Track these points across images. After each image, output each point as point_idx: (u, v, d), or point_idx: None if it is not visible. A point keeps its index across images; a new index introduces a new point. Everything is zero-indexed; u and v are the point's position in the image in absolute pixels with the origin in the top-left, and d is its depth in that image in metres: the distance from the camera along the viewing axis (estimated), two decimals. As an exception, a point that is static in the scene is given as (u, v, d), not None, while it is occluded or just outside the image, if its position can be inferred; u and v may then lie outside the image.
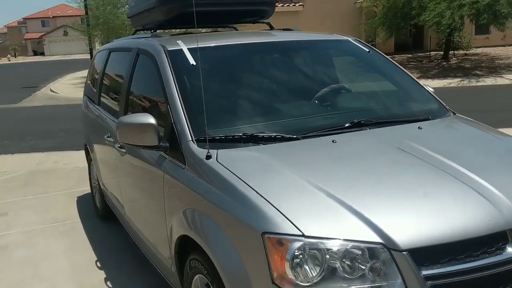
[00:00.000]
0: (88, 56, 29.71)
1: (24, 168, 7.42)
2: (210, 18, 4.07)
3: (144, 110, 3.22)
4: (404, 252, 1.80)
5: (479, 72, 18.01)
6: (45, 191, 6.21)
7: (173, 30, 5.76)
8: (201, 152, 2.44)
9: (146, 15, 4.09)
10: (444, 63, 20.45)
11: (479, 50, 23.67)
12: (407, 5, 19.01)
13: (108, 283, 3.70)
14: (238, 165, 2.30)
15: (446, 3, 17.21)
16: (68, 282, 3.75)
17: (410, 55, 23.70)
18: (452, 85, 16.05)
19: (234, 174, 2.21)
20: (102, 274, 3.85)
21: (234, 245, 2.05)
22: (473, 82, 16.20)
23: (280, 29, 4.01)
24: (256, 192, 2.07)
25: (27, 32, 79.02)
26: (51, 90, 21.12)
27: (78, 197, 5.89)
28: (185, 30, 5.88)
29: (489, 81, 16.22)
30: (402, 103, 3.28)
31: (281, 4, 23.99)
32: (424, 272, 1.80)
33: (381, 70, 3.51)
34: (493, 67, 18.86)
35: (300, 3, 24.29)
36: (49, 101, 17.78)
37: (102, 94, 4.42)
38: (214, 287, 2.21)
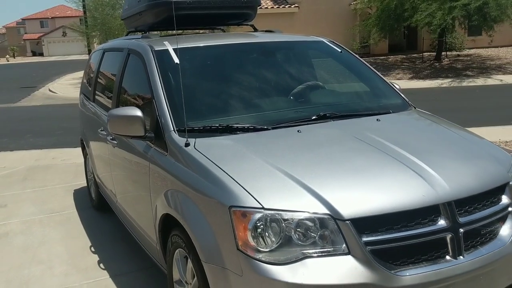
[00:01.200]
0: (86, 57, 30.13)
1: (23, 164, 7.72)
2: (198, 21, 4.38)
3: (133, 104, 3.53)
4: (347, 222, 2.12)
5: (470, 73, 18.35)
6: (43, 185, 6.51)
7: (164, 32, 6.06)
8: (181, 141, 2.76)
9: (138, 17, 4.41)
10: (437, 64, 20.79)
11: (471, 51, 24.02)
12: (400, 7, 19.35)
13: (101, 265, 4.01)
14: (213, 151, 2.61)
15: (437, 4, 17.57)
16: (64, 265, 4.05)
17: (404, 56, 24.02)
18: (443, 85, 16.38)
19: (208, 159, 2.53)
20: (95, 258, 4.16)
21: (207, 220, 2.36)
22: (464, 83, 16.55)
23: (262, 31, 4.33)
24: (226, 173, 2.38)
25: (25, 33, 79.29)
26: (49, 90, 21.41)
27: (74, 190, 6.20)
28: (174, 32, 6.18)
29: (479, 81, 16.56)
30: (368, 98, 3.61)
31: (276, 6, 24.33)
32: (365, 239, 2.12)
33: (351, 69, 3.84)
34: (484, 68, 19.20)
35: (296, 5, 24.61)
36: (47, 100, 18.07)
37: (97, 91, 4.74)
38: (190, 258, 2.52)
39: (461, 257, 2.24)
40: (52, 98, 18.79)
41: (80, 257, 4.20)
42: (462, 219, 2.28)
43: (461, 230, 2.26)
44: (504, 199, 2.50)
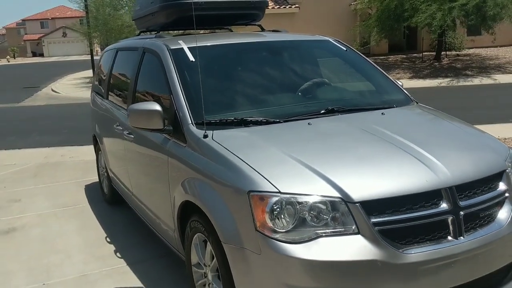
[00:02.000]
0: (87, 58, 30.18)
1: (32, 161, 7.91)
2: (207, 21, 4.57)
3: (150, 100, 3.72)
4: (357, 204, 2.31)
5: (469, 72, 18.56)
6: (55, 180, 6.71)
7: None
8: (199, 133, 2.95)
9: (150, 18, 4.60)
10: (436, 63, 20.99)
11: (471, 51, 24.22)
12: (400, 7, 19.55)
13: (118, 254, 4.20)
14: (230, 142, 2.81)
15: (437, 5, 17.78)
16: (82, 254, 4.25)
17: (404, 56, 24.23)
18: (443, 84, 16.60)
19: (226, 149, 2.73)
20: (111, 247, 4.35)
21: (226, 204, 2.56)
22: (463, 82, 16.76)
23: (269, 31, 4.52)
24: (244, 161, 2.58)
25: (26, 34, 79.54)
26: (52, 90, 21.62)
27: (85, 186, 6.39)
28: (183, 32, 6.38)
29: (478, 80, 16.78)
30: (372, 94, 3.81)
31: (277, 6, 24.55)
32: (373, 220, 2.31)
33: (357, 66, 4.04)
34: (484, 68, 19.41)
35: (296, 5, 24.82)
36: (51, 100, 18.27)
37: (111, 89, 4.93)
38: (210, 241, 2.71)
39: (461, 237, 2.43)
40: (56, 98, 18.99)
41: (96, 247, 4.39)
42: (462, 203, 2.47)
43: (462, 213, 2.45)
44: (501, 186, 2.69)
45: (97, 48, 46.05)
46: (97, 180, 6.21)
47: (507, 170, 2.76)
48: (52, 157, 8.17)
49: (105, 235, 4.67)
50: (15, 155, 8.56)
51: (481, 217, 2.55)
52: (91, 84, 22.34)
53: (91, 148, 7.78)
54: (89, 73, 26.93)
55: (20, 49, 75.21)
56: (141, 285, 3.62)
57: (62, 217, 5.22)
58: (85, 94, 18.85)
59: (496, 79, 16.70)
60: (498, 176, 2.70)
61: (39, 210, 5.50)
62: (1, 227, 5.02)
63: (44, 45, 74.75)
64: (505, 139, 7.18)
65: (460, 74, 18.36)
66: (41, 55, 73.84)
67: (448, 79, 17.42)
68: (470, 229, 2.49)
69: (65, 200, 5.80)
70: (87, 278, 3.79)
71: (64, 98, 18.62)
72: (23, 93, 20.60)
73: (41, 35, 75.48)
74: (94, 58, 24.59)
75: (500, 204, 2.66)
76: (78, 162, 7.72)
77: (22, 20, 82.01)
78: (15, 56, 69.97)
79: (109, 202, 5.50)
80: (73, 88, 21.99)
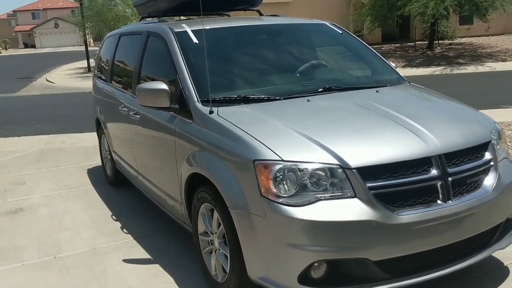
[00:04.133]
0: (79, 49, 30.21)
1: (33, 148, 8.06)
2: (209, 6, 4.73)
3: (156, 80, 3.89)
4: (354, 170, 2.51)
5: (461, 61, 18.83)
6: (57, 165, 6.87)
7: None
8: (205, 109, 3.14)
9: (152, 4, 4.76)
10: (429, 52, 21.25)
11: (463, 40, 24.49)
12: (393, -4, 19.75)
13: (124, 230, 4.40)
14: (234, 117, 3.00)
15: (430, -6, 17.98)
16: (90, 230, 4.43)
17: (397, 45, 24.46)
18: (436, 72, 16.86)
19: (231, 123, 2.92)
20: (118, 224, 4.54)
21: (233, 173, 2.75)
22: (456, 70, 17.01)
23: (268, 15, 4.70)
24: (248, 133, 2.78)
25: (17, 25, 78.95)
26: (47, 80, 21.69)
27: (88, 169, 6.56)
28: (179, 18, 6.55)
29: (470, 68, 17.04)
30: (367, 74, 4.01)
31: (272, -5, 24.62)
32: (368, 184, 2.52)
33: (352, 48, 4.23)
34: (476, 56, 19.68)
35: (290, -5, 24.94)
36: (46, 90, 18.35)
37: (115, 72, 5.10)
38: (217, 209, 2.91)
39: (449, 201, 2.64)
40: (51, 88, 19.07)
41: (103, 224, 4.58)
42: (450, 170, 2.68)
43: (450, 179, 2.66)
44: (487, 155, 2.91)
45: (89, 39, 45.86)
46: (99, 164, 6.39)
47: (493, 141, 2.97)
48: (53, 144, 8.31)
49: (111, 213, 4.85)
50: (15, 142, 8.69)
51: (468, 184, 2.77)
52: (85, 74, 22.38)
53: (90, 134, 7.99)
54: (83, 63, 26.96)
55: (12, 41, 74.70)
56: (149, 256, 3.82)
57: (68, 198, 5.40)
58: (80, 84, 18.99)
59: (490, 67, 16.95)
60: (484, 146, 2.92)
61: (45, 192, 5.67)
62: (9, 207, 5.19)
63: (36, 36, 74.30)
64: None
65: (452, 62, 18.62)
66: (33, 46, 73.41)
67: (441, 67, 17.67)
68: (458, 194, 2.71)
69: (69, 183, 5.97)
70: (96, 251, 3.98)
71: (59, 88, 18.71)
72: (18, 83, 20.64)
73: (33, 26, 74.97)
74: (88, 49, 24.67)
75: (485, 172, 2.87)
76: (79, 148, 7.88)
77: (14, 11, 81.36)
78: (7, 47, 69.51)
79: (112, 183, 5.68)
80: (67, 78, 22.05)
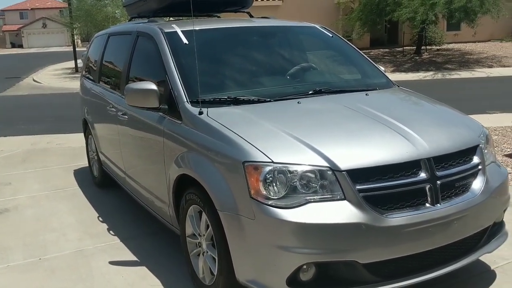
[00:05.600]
0: (67, 49, 29.94)
1: (20, 148, 7.96)
2: (199, 7, 4.71)
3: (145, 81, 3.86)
4: (344, 172, 2.51)
5: (450, 66, 18.98)
6: (44, 165, 6.79)
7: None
8: (194, 110, 3.12)
9: (141, 4, 4.74)
10: (417, 57, 21.40)
11: (450, 46, 24.71)
12: (383, 1, 19.87)
13: (111, 231, 4.35)
14: (224, 118, 2.98)
15: (420, 0, 18.11)
16: (76, 232, 4.38)
17: (385, 50, 24.61)
18: (422, 78, 16.97)
19: (221, 124, 2.90)
20: (105, 226, 4.49)
21: (222, 174, 2.73)
22: (443, 76, 17.14)
23: (258, 17, 4.69)
24: (238, 135, 2.76)
25: (4, 24, 78.03)
26: (34, 80, 21.45)
27: (74, 170, 6.49)
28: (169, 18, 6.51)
29: (458, 74, 17.18)
30: (357, 77, 4.02)
31: (262, -1, 24.70)
32: (358, 187, 2.51)
33: (341, 52, 4.24)
34: (464, 62, 19.86)
35: (280, -2, 25.01)
36: (33, 90, 18.15)
37: (103, 73, 5.05)
38: (205, 211, 2.89)
39: (438, 204, 2.65)
40: (38, 88, 18.86)
41: (90, 225, 4.53)
42: (439, 173, 2.69)
43: (438, 182, 2.67)
44: (475, 159, 2.92)
45: (77, 39, 45.56)
46: (86, 165, 6.32)
47: (481, 145, 2.99)
48: (39, 144, 8.22)
49: (97, 215, 4.80)
50: (1, 142, 8.56)
51: (457, 187, 2.78)
52: (72, 75, 22.14)
53: (77, 135, 7.91)
54: (70, 64, 26.71)
55: (-1, 40, 73.88)
56: (136, 258, 3.78)
57: (54, 199, 5.33)
58: (68, 84, 18.81)
59: (478, 73, 17.10)
60: (472, 150, 2.93)
61: (31, 192, 5.60)
62: (-6, 208, 5.12)
63: (23, 36, 73.49)
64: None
65: (441, 68, 18.77)
66: (20, 46, 72.59)
67: (430, 73, 17.80)
68: (447, 197, 2.71)
69: (55, 183, 5.90)
70: (82, 253, 3.93)
71: (46, 88, 18.52)
72: (5, 83, 20.38)
73: (21, 26, 74.16)
74: (76, 49, 24.47)
75: (474, 176, 2.89)
76: (66, 149, 7.80)
77: (1, 10, 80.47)
78: (-6, 47, 68.71)
79: (99, 185, 5.63)
80: (55, 78, 21.84)
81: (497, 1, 18.32)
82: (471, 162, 2.90)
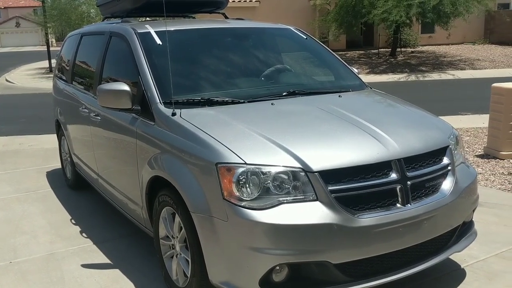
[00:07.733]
0: (41, 48, 29.36)
1: (-10, 149, 7.78)
2: (174, 7, 4.69)
3: (118, 81, 3.82)
4: (316, 173, 2.53)
5: (424, 68, 19.29)
6: (15, 167, 6.65)
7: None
8: (167, 111, 3.10)
9: (115, 4, 4.68)
10: (392, 59, 21.68)
11: (424, 48, 25.11)
12: (359, 3, 20.07)
13: (84, 234, 4.29)
14: (197, 119, 2.97)
15: (394, 1, 18.36)
16: (48, 235, 4.30)
17: (361, 52, 24.85)
18: (397, 79, 17.21)
19: (194, 125, 2.89)
20: (77, 228, 4.43)
21: (195, 176, 2.72)
22: (418, 77, 17.42)
23: (233, 18, 4.69)
24: (211, 136, 2.75)
25: (-24, 23, 76.28)
26: (6, 80, 20.99)
27: (47, 172, 6.37)
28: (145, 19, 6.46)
29: (432, 76, 17.48)
30: (330, 79, 4.05)
31: (238, 0, 24.67)
32: (330, 188, 2.54)
33: (316, 54, 4.27)
34: (437, 64, 20.20)
35: (257, -1, 25.05)
36: (6, 90, 17.77)
37: (76, 73, 4.98)
38: (178, 213, 2.87)
39: (408, 205, 2.69)
40: (11, 88, 18.48)
41: (62, 228, 4.45)
42: (409, 174, 2.73)
43: (409, 182, 2.71)
44: (445, 160, 2.98)
45: (52, 39, 44.83)
46: (59, 167, 6.22)
47: (450, 146, 3.05)
48: (11, 145, 8.05)
49: (70, 217, 4.72)
50: (-28, 143, 8.37)
51: (427, 187, 2.83)
52: (47, 75, 21.71)
53: (50, 136, 7.78)
54: (44, 63, 26.22)
55: (-30, 39, 72.12)
56: (109, 261, 3.73)
57: (25, 202, 5.23)
58: (41, 84, 18.48)
59: (451, 75, 17.42)
60: (442, 151, 2.99)
61: (1, 194, 5.48)
62: (-38, 211, 4.99)
63: (-5, 35, 71.95)
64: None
65: (415, 70, 19.06)
66: (-7, 45, 71.03)
67: (404, 75, 18.06)
68: (417, 197, 2.76)
69: (27, 186, 5.79)
70: (54, 256, 3.86)
71: (19, 88, 18.15)
72: (-24, 83, 19.92)
73: (-7, 24, 72.59)
74: (51, 49, 24.06)
75: (443, 176, 2.94)
76: (38, 150, 7.66)
77: (-28, 8, 78.58)
78: (-35, 46, 67.07)
79: (72, 187, 5.54)
80: (28, 78, 21.41)
81: (468, 3, 18.67)
82: (441, 163, 2.95)
